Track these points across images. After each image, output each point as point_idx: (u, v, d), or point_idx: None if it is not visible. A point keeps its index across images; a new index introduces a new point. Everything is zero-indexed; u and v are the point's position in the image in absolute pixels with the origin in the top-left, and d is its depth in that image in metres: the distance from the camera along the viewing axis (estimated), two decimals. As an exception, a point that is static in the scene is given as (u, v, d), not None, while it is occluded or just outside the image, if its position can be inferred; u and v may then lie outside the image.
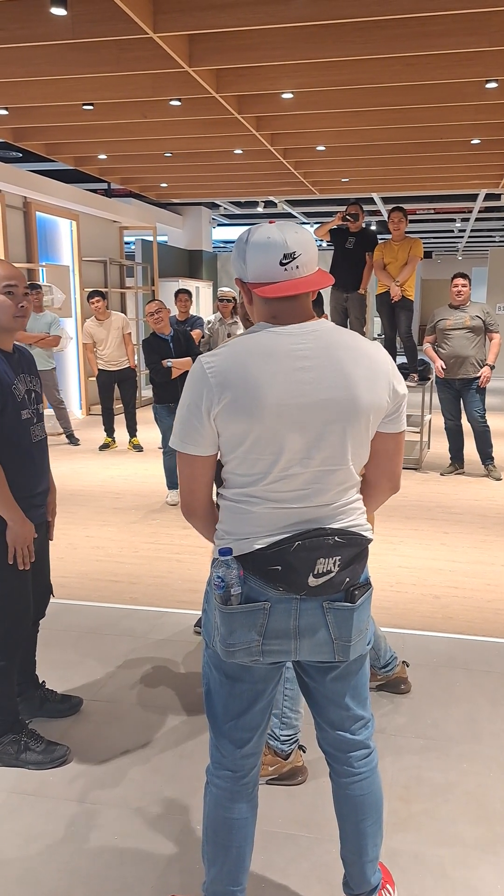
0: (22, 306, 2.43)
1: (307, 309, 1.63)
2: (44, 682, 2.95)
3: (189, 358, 5.58)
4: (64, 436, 8.54)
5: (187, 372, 5.21)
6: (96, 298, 7.73)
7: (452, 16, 4.91)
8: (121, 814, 2.37)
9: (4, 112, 7.19)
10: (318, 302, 2.47)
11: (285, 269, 1.57)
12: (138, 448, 8.10)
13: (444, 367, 6.52)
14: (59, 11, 4.58)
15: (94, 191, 11.40)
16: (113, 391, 8.03)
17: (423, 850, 2.21)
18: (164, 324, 5.57)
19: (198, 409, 1.58)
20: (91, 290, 8.29)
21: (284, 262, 1.56)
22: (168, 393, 5.59)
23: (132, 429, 8.09)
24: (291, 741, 2.49)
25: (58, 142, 8.41)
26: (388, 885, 1.98)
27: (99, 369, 7.89)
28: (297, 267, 1.57)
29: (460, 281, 6.50)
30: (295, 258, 1.57)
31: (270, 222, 1.61)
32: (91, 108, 6.89)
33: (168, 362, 5.50)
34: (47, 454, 2.61)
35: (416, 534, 5.15)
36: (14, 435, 2.45)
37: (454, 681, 3.16)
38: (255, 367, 1.54)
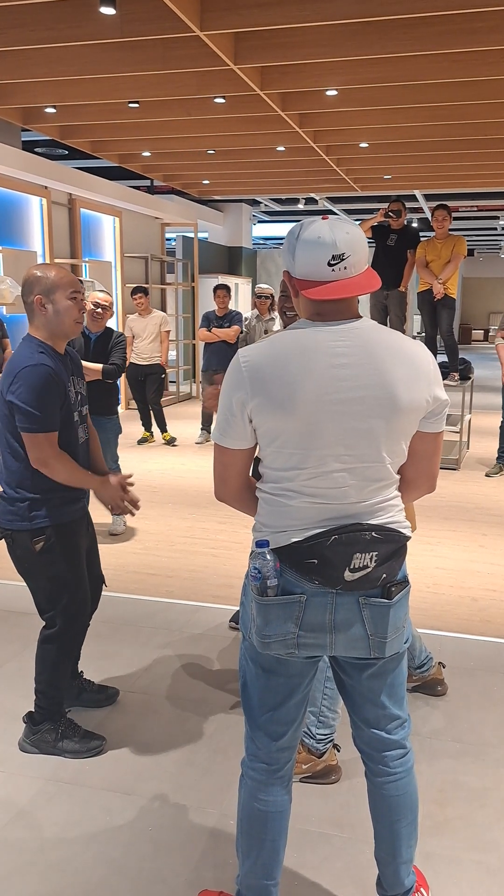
0: (80, 311, 2.51)
1: (353, 308, 1.63)
2: (82, 671, 2.99)
3: (100, 366, 4.69)
4: None
5: (100, 381, 4.77)
6: (139, 295, 7.79)
7: (499, 12, 4.84)
8: (155, 805, 2.40)
9: (52, 110, 7.29)
10: None
11: (333, 270, 1.57)
12: (171, 442, 8.16)
13: None
14: (108, 11, 4.63)
15: (137, 188, 11.49)
16: (143, 385, 7.99)
17: (458, 854, 2.19)
18: (99, 322, 4.79)
19: (231, 403, 1.61)
20: (134, 286, 8.34)
21: (333, 262, 1.57)
22: (91, 399, 4.40)
23: (161, 424, 8.12)
24: (327, 741, 2.49)
25: (103, 139, 8.50)
26: (422, 889, 1.97)
27: (130, 362, 7.86)
28: (346, 268, 1.58)
29: None
30: (344, 259, 1.57)
31: (324, 218, 1.61)
32: (136, 105, 6.95)
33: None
34: (89, 456, 2.68)
35: (454, 535, 5.10)
36: (65, 435, 2.50)
37: (491, 685, 3.13)
38: (292, 362, 1.55)
